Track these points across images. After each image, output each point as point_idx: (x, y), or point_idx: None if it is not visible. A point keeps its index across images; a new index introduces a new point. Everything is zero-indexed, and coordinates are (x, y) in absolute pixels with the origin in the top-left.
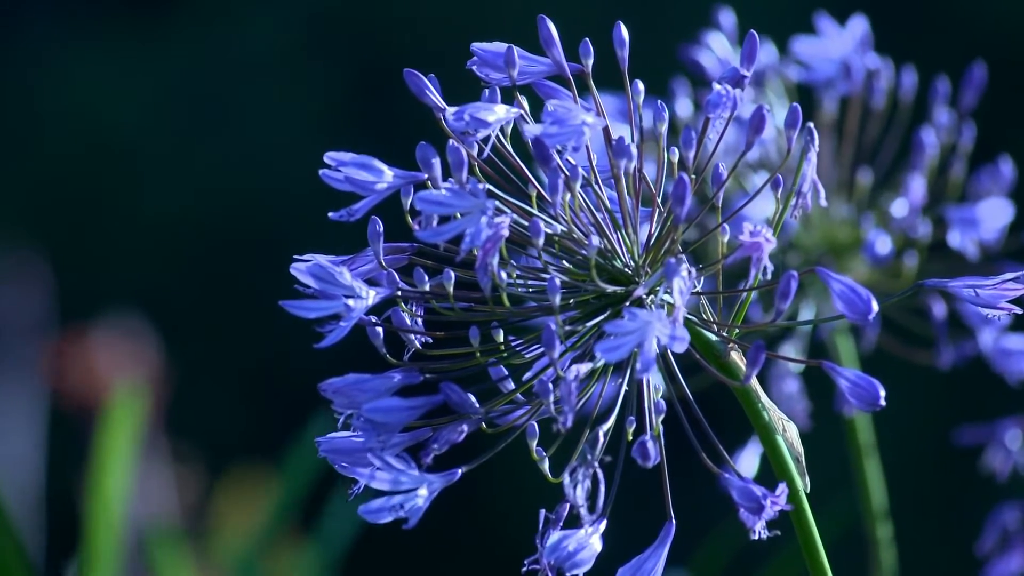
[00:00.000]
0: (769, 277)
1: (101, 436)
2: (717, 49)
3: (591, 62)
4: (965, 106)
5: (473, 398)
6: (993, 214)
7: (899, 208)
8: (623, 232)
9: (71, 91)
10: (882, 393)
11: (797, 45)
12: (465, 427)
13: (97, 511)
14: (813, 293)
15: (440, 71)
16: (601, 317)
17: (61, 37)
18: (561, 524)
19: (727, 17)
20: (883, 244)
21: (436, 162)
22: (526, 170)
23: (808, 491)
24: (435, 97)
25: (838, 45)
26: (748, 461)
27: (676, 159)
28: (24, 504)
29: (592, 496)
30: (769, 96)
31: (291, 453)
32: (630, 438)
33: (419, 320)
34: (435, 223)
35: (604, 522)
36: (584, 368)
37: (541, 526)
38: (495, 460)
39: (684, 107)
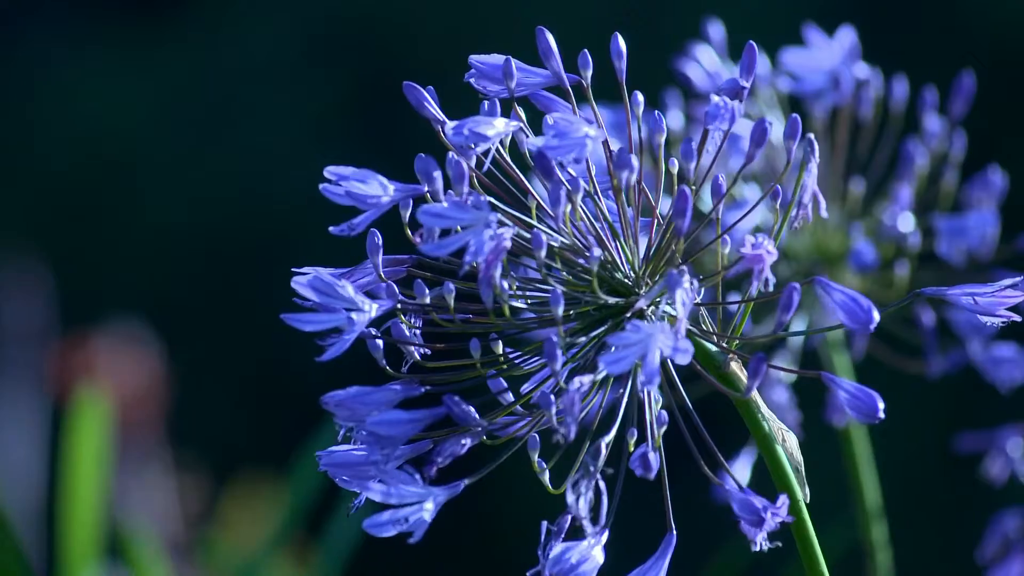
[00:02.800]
0: (771, 288)
1: (68, 442)
2: (706, 62)
3: (590, 73)
4: (955, 115)
5: (474, 410)
6: (980, 223)
7: (890, 217)
8: (623, 243)
9: (72, 100)
10: (881, 405)
11: (786, 56)
12: (468, 440)
13: (71, 517)
14: (806, 304)
15: (442, 80)
16: (602, 328)
17: (61, 47)
18: (563, 536)
19: (716, 30)
20: (868, 253)
21: (437, 175)
22: (526, 182)
23: (808, 501)
24: (434, 109)
25: (827, 56)
26: (739, 472)
27: (676, 170)
28: (26, 511)
29: (595, 508)
30: (760, 107)
31: (298, 463)
32: (631, 449)
33: (418, 332)
34: (437, 236)
35: (606, 534)
36: (587, 379)
37: (543, 538)
38: (500, 469)
39: (676, 119)
